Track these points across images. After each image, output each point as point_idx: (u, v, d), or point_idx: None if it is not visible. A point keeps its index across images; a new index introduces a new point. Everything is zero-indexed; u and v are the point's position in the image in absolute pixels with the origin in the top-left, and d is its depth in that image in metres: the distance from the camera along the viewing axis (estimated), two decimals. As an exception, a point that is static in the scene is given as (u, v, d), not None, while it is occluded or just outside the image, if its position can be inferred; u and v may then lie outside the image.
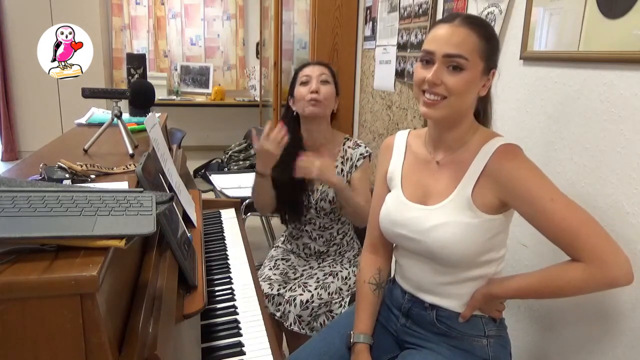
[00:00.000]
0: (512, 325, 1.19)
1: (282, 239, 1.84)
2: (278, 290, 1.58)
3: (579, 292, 0.99)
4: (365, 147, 1.67)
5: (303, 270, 1.68)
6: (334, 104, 1.65)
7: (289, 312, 1.52)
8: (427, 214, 1.07)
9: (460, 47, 0.98)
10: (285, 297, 1.55)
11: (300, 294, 1.53)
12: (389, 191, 1.20)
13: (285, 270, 1.68)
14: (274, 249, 1.83)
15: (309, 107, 1.59)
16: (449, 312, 1.10)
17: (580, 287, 0.95)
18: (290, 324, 1.51)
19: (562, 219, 0.93)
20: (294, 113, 1.65)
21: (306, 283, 1.59)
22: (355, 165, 1.64)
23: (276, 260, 1.73)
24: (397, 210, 1.13)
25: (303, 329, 1.51)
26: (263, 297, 1.30)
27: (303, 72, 1.64)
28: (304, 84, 1.62)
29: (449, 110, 1.02)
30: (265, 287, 1.58)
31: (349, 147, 1.67)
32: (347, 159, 1.65)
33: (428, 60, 1.02)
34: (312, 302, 1.52)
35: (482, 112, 1.12)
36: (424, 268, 1.11)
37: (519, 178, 0.97)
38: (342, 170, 1.66)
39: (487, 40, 1.00)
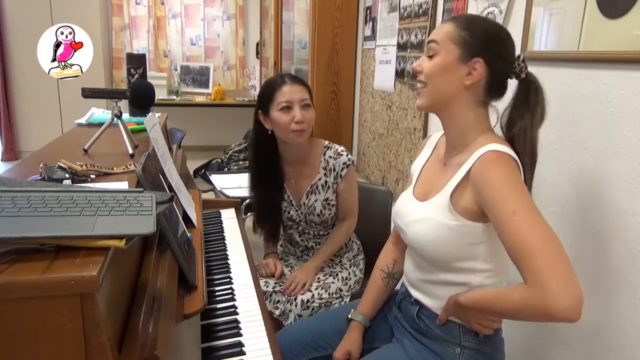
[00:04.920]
0: (511, 330, 1.19)
1: (280, 241, 1.83)
2: (274, 287, 1.57)
3: (516, 315, 0.93)
4: (347, 154, 1.62)
5: None
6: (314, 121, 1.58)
7: (290, 311, 1.52)
8: (415, 208, 1.11)
9: (435, 34, 1.05)
10: (286, 297, 1.55)
11: (301, 294, 1.54)
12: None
13: (284, 272, 1.67)
14: None
15: (295, 137, 1.52)
16: (429, 312, 1.11)
17: (517, 310, 0.88)
18: (291, 322, 1.51)
19: (517, 234, 0.87)
20: (269, 132, 1.57)
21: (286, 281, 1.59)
22: (340, 176, 1.61)
23: None
24: (400, 202, 1.18)
25: None
26: (263, 297, 1.30)
27: (282, 95, 1.50)
28: (285, 109, 1.50)
29: (430, 98, 1.05)
30: (260, 284, 1.57)
31: (330, 157, 1.61)
32: (330, 170, 1.61)
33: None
34: (313, 302, 1.53)
35: (522, 145, 1.01)
36: (414, 263, 1.15)
37: (491, 185, 0.93)
38: (325, 182, 1.62)
39: (465, 28, 1.02)
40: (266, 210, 1.66)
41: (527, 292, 0.84)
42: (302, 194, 1.63)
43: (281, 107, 1.50)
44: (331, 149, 1.63)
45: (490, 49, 1.01)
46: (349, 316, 1.26)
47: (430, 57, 1.04)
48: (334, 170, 1.61)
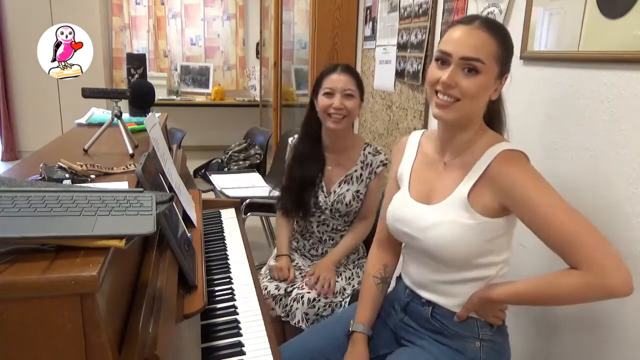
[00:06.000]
0: (511, 328, 1.19)
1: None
2: (286, 289, 1.58)
3: (575, 300, 0.98)
4: (385, 154, 1.69)
5: (309, 271, 1.68)
6: (357, 112, 1.65)
7: (297, 309, 1.52)
8: (426, 212, 1.08)
9: (478, 50, 0.97)
10: (292, 295, 1.55)
11: (308, 292, 1.54)
12: (399, 189, 1.21)
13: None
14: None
15: (330, 123, 1.60)
16: (444, 310, 1.10)
17: (577, 296, 0.93)
18: (298, 321, 1.51)
19: (561, 225, 0.92)
20: (317, 114, 1.66)
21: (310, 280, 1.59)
22: (375, 172, 1.67)
23: None
24: (401, 207, 1.15)
25: (308, 327, 1.52)
26: (263, 297, 1.30)
27: (329, 81, 1.61)
28: (327, 94, 1.60)
29: (461, 112, 1.01)
30: (271, 287, 1.57)
31: (369, 152, 1.69)
32: (367, 165, 1.68)
33: (444, 60, 1.01)
34: (318, 300, 1.53)
35: (493, 115, 1.11)
36: (423, 265, 1.12)
37: (520, 184, 0.96)
38: (360, 175, 1.68)
39: (504, 46, 1.00)
40: (302, 187, 1.68)
41: (586, 276, 0.89)
42: (335, 182, 1.68)
43: (324, 92, 1.60)
44: (371, 146, 1.71)
45: (511, 62, 1.04)
46: (350, 329, 1.21)
47: (470, 72, 0.98)
48: (371, 165, 1.68)
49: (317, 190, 1.68)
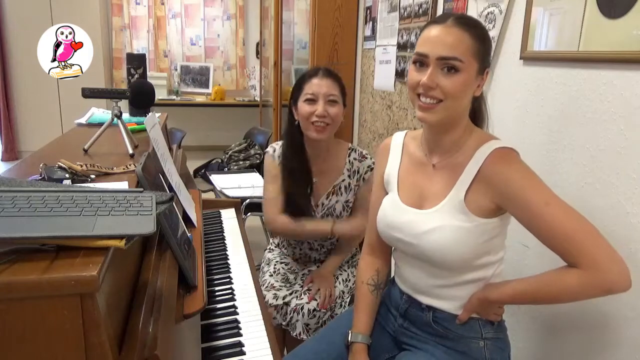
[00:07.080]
0: (512, 326, 1.19)
1: (277, 241, 1.80)
2: (284, 299, 1.53)
3: (574, 298, 0.97)
4: (371, 157, 1.61)
5: (303, 275, 1.66)
6: (341, 119, 1.55)
7: (297, 321, 1.49)
8: (421, 217, 1.06)
9: (454, 48, 0.96)
10: (292, 306, 1.51)
11: (307, 302, 1.51)
12: (386, 193, 1.19)
13: (286, 275, 1.64)
14: (268, 250, 1.80)
15: (313, 132, 1.50)
16: (445, 314, 1.10)
17: (576, 293, 0.93)
18: (300, 332, 1.48)
19: (557, 223, 0.91)
20: (297, 122, 1.56)
21: (311, 291, 1.55)
22: (364, 178, 1.59)
23: (275, 264, 1.68)
24: (393, 213, 1.13)
25: (310, 336, 1.49)
26: (263, 297, 1.29)
27: (310, 87, 1.50)
28: (309, 101, 1.49)
29: (446, 113, 1.00)
30: (269, 297, 1.53)
31: (354, 159, 1.61)
32: (354, 172, 1.60)
33: (422, 62, 1.00)
34: (319, 310, 1.51)
35: (475, 112, 1.10)
36: (420, 271, 1.11)
37: (514, 182, 0.95)
38: (349, 184, 1.60)
39: (481, 40, 0.99)
40: (296, 204, 1.57)
41: (586, 274, 0.89)
42: (322, 195, 1.60)
43: (306, 98, 1.50)
44: (355, 151, 1.62)
45: (490, 56, 1.04)
46: (350, 340, 1.18)
47: (449, 71, 0.96)
48: (358, 172, 1.60)
49: (311, 202, 1.60)
